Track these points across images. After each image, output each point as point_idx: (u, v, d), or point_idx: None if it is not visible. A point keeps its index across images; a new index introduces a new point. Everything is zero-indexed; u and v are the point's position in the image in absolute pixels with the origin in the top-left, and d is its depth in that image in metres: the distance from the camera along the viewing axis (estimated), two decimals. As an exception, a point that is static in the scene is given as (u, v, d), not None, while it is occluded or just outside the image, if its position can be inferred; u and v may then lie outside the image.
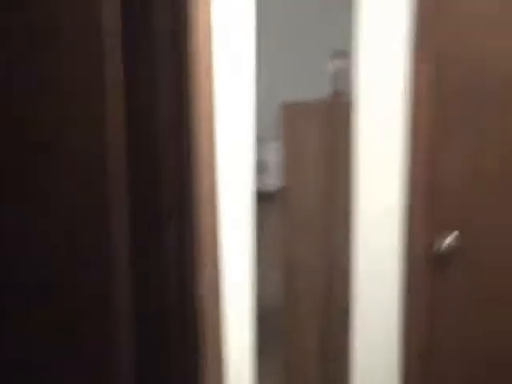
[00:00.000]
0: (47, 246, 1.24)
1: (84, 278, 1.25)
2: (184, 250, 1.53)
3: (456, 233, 2.03)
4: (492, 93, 1.97)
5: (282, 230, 2.76)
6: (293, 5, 5.68)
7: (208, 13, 1.64)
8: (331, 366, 2.58)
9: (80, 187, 1.22)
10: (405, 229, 2.08)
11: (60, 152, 1.22)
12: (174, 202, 1.45)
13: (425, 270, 2.08)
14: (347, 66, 2.58)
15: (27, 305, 1.26)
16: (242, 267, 2.03)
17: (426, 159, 2.03)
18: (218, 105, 1.84)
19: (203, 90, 1.66)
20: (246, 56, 1.90)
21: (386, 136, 2.09)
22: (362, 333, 2.23)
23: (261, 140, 5.24)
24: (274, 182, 3.95)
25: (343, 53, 2.63)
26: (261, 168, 5.51)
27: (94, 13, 1.16)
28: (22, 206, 1.25)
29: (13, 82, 1.22)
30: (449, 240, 2.03)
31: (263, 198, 3.61)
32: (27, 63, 1.21)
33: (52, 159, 1.22)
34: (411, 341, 2.11)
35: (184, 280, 1.53)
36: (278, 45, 5.92)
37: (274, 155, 4.03)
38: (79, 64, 1.20)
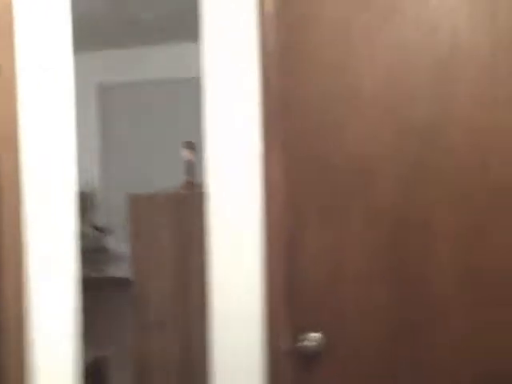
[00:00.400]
0: None
1: None
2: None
3: (319, 333, 1.97)
4: (351, 181, 1.93)
5: (133, 325, 2.64)
6: (147, 97, 5.73)
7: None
8: None
9: None
10: (264, 329, 2.01)
11: None
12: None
13: (287, 372, 2.01)
14: (198, 156, 2.58)
15: None
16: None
17: (283, 255, 1.96)
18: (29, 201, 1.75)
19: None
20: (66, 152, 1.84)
21: (240, 229, 2.04)
22: None
23: (115, 230, 5.10)
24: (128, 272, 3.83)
25: (193, 144, 2.63)
26: (116, 258, 5.35)
27: None
28: None
29: None
30: (311, 341, 1.97)
31: (118, 289, 3.46)
32: None
33: None
34: None
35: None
36: (139, 136, 5.92)
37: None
38: None
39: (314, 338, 1.97)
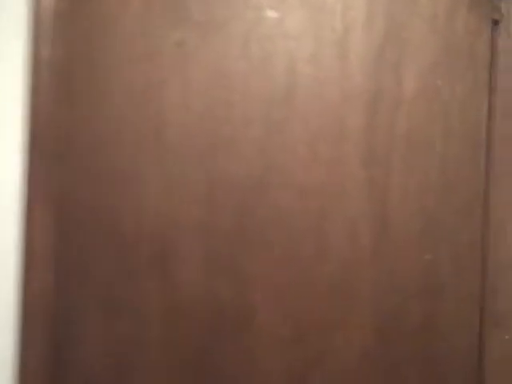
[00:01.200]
0: None
1: None
2: None
3: None
4: (144, 257, 1.44)
5: None
6: None
7: None
8: None
9: None
10: None
11: None
12: None
13: None
14: None
15: None
16: None
17: (46, 353, 1.41)
18: None
19: None
20: None
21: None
22: None
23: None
24: None
25: None
26: None
27: None
28: None
29: None
30: None
31: None
32: None
33: None
34: None
35: None
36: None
37: None
38: None
39: None
